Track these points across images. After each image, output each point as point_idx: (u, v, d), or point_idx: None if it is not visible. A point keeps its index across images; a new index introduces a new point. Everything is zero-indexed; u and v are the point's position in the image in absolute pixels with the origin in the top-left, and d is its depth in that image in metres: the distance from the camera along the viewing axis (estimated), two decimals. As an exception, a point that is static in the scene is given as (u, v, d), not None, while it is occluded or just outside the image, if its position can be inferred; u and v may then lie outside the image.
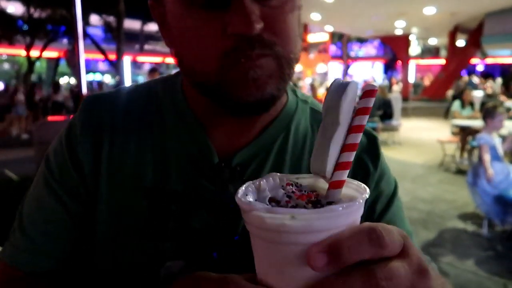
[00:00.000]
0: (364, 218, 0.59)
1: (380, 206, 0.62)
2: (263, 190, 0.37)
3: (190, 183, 0.56)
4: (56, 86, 12.89)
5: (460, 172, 6.42)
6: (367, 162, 0.62)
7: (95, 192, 0.58)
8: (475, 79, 16.05)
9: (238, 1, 0.46)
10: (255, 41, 0.47)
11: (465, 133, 6.78)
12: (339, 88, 0.37)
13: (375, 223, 0.33)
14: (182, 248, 0.55)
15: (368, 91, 0.37)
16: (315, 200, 0.36)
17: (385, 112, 9.21)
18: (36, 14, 15.84)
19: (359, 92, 0.39)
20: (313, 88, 9.27)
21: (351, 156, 0.37)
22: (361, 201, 0.35)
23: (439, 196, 5.31)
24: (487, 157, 3.90)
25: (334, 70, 31.14)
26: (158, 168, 0.57)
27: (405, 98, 14.88)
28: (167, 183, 0.56)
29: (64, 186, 0.59)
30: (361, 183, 0.39)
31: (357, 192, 0.38)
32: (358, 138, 0.37)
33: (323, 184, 0.39)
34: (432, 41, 27.87)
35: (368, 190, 0.37)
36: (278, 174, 0.41)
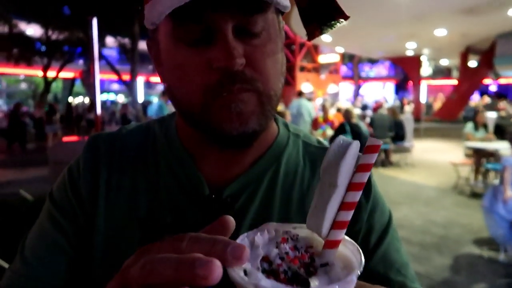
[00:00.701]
0: (360, 246, 0.59)
1: (374, 238, 0.62)
2: (256, 246, 0.36)
3: (182, 214, 0.57)
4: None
5: (475, 195, 6.31)
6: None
7: (92, 222, 0.60)
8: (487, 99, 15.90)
9: (222, 38, 0.48)
10: (237, 76, 0.49)
11: (479, 155, 6.68)
12: (340, 149, 0.37)
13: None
14: None
15: (371, 146, 0.37)
16: (309, 263, 0.36)
17: (397, 133, 9.15)
18: (53, 36, 16.29)
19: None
20: (324, 108, 9.27)
21: (348, 215, 0.37)
22: (354, 278, 0.34)
23: (453, 220, 5.21)
24: (509, 177, 3.84)
25: (345, 91, 31.20)
26: (151, 200, 0.59)
27: (417, 119, 14.79)
28: (160, 214, 0.58)
29: (64, 214, 0.61)
30: (356, 245, 0.38)
31: (353, 255, 0.37)
32: (357, 196, 0.37)
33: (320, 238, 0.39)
34: (444, 62, 27.83)
35: (363, 263, 0.36)
36: (274, 224, 0.40)
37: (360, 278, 0.59)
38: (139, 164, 0.62)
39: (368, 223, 0.62)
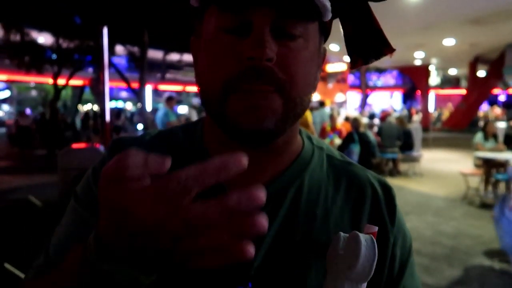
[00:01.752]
0: (386, 277, 0.59)
1: (397, 265, 0.61)
2: None
3: None
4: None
5: (485, 206, 6.23)
6: (384, 216, 0.62)
7: None
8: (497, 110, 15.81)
9: (257, 30, 0.48)
10: (264, 72, 0.48)
11: (489, 165, 6.62)
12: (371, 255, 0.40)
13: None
14: (203, 282, 0.55)
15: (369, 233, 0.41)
16: None
17: (405, 142, 9.10)
18: (64, 44, 16.51)
19: None
20: (332, 117, 9.25)
21: None
22: None
23: (464, 231, 5.15)
24: None
25: (352, 100, 31.17)
26: None
27: (425, 129, 14.70)
28: None
29: (89, 210, 0.61)
30: None
31: None
32: None
33: None
34: (452, 71, 27.73)
35: None
36: None
37: None
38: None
39: (393, 249, 0.61)
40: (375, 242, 0.40)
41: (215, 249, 0.33)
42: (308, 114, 9.21)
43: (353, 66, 0.60)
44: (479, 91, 18.86)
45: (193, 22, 0.59)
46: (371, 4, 0.57)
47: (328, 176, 0.63)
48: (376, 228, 0.40)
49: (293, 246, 0.54)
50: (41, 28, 16.88)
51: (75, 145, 6.24)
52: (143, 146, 0.65)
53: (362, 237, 0.40)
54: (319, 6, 0.49)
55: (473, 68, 19.18)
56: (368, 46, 0.57)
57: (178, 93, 34.07)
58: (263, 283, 0.54)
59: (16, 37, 16.08)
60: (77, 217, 0.62)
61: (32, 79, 23.10)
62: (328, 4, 0.50)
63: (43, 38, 17.97)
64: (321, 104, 9.43)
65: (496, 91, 24.22)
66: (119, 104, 37.70)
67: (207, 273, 0.54)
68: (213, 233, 0.33)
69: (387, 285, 0.60)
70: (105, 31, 7.22)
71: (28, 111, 23.79)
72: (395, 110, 23.77)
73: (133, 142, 0.66)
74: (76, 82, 22.14)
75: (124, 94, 39.07)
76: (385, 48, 0.57)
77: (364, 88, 32.58)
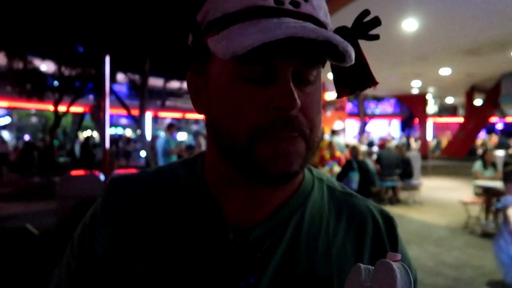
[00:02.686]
0: None
1: None
2: None
3: (206, 259, 0.56)
4: (128, 139, 16.55)
5: (486, 235, 6.17)
6: (386, 247, 0.62)
7: (104, 272, 0.59)
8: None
9: (283, 80, 0.50)
10: (290, 121, 0.50)
11: (489, 194, 6.60)
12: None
13: None
14: (205, 277, 0.55)
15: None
16: None
17: (405, 170, 9.10)
18: (66, 72, 16.72)
19: None
20: (331, 145, 9.27)
21: None
22: None
23: (466, 261, 5.07)
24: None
25: (351, 128, 31.32)
26: (174, 246, 0.58)
27: (424, 157, 14.73)
28: (184, 260, 0.57)
29: (79, 264, 0.61)
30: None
31: None
32: None
33: None
34: (449, 100, 28.05)
35: None
36: None
37: None
38: (162, 209, 0.61)
39: None
40: (407, 268, 0.39)
41: None
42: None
43: (339, 95, 0.63)
44: (477, 119, 19.02)
45: (190, 59, 0.60)
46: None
47: (329, 207, 0.63)
48: (399, 256, 0.40)
49: (295, 279, 0.54)
50: (43, 56, 17.12)
51: (74, 172, 6.22)
52: (143, 185, 0.65)
53: (395, 265, 0.39)
54: (344, 54, 0.50)
55: (469, 97, 19.42)
56: (354, 78, 0.60)
57: (178, 120, 34.24)
58: (264, 278, 0.54)
59: (19, 65, 16.30)
60: (70, 269, 0.62)
61: (33, 106, 23.26)
62: (353, 53, 0.50)
63: (46, 66, 18.21)
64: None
65: (494, 119, 24.41)
66: (119, 130, 37.82)
67: (209, 268, 0.56)
68: None
69: None
70: (107, 59, 7.35)
71: (27, 137, 23.82)
72: (393, 138, 23.84)
73: (132, 181, 0.65)
74: (76, 109, 22.30)
75: (123, 120, 39.25)
76: (370, 82, 0.60)
77: (363, 116, 32.84)
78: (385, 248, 0.61)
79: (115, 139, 20.71)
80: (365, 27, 0.57)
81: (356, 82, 0.60)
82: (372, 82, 0.60)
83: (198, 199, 0.61)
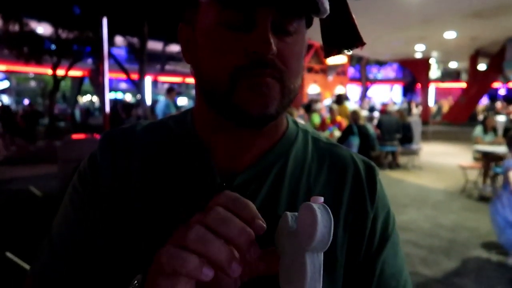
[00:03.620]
0: (363, 253, 0.62)
1: (376, 243, 0.63)
2: None
3: (194, 202, 0.59)
4: (138, 103, 16.35)
5: (483, 199, 6.27)
6: (365, 193, 0.64)
7: (107, 208, 0.63)
8: (498, 104, 15.78)
9: (261, 28, 0.52)
10: (268, 64, 0.53)
11: (488, 159, 6.64)
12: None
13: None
14: None
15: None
16: None
17: (405, 135, 9.12)
18: (63, 35, 16.41)
19: None
20: (331, 110, 9.24)
21: None
22: None
23: (462, 224, 5.18)
24: None
25: (352, 93, 31.11)
26: (166, 191, 0.62)
27: (425, 122, 14.70)
28: (174, 203, 0.61)
29: (85, 198, 0.64)
30: None
31: None
32: None
33: None
34: (453, 65, 27.66)
35: None
36: None
37: (355, 278, 0.64)
38: (155, 158, 0.65)
39: (373, 224, 0.63)
40: (328, 208, 0.40)
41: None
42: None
43: (326, 55, 0.66)
44: (479, 85, 18.82)
45: (183, 9, 0.62)
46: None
47: (312, 156, 0.66)
48: (322, 199, 0.41)
49: (275, 219, 0.55)
50: (40, 19, 16.76)
51: (75, 136, 6.24)
52: (135, 135, 0.68)
53: (315, 205, 0.40)
54: (320, 8, 0.52)
55: (473, 61, 19.12)
56: (342, 38, 0.63)
57: (178, 84, 33.95)
58: None
59: (15, 27, 15.97)
60: (75, 206, 0.65)
61: (31, 69, 23.00)
62: (327, 4, 0.53)
63: (42, 29, 17.85)
64: (338, 98, 9.90)
65: (496, 84, 24.17)
66: (118, 95, 37.59)
67: None
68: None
69: (366, 260, 0.62)
70: (104, 21, 7.18)
71: (26, 101, 23.73)
72: (395, 103, 23.71)
73: (124, 134, 0.69)
74: (75, 73, 22.05)
75: (123, 85, 38.92)
76: (357, 42, 0.63)
77: (364, 81, 32.52)
78: (363, 194, 0.63)
79: (115, 104, 20.63)
80: None
81: (343, 42, 0.63)
82: (360, 42, 0.63)
83: (188, 146, 0.65)
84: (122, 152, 0.66)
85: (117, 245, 0.61)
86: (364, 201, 0.63)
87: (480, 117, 17.92)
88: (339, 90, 25.58)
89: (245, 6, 0.52)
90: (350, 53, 0.64)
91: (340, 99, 10.36)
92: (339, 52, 0.64)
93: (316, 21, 0.63)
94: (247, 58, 0.53)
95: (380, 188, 0.66)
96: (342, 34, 0.62)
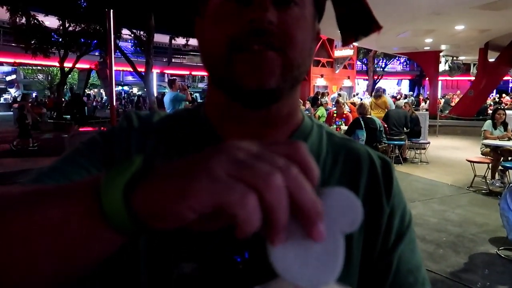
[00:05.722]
0: (379, 247, 0.61)
1: (393, 238, 0.62)
2: None
3: None
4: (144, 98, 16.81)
5: (491, 193, 6.21)
6: (381, 189, 0.62)
7: None
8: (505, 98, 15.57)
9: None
10: (266, 32, 0.51)
11: (496, 153, 6.57)
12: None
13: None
14: (198, 248, 0.55)
15: None
16: None
17: (413, 129, 9.04)
18: (70, 27, 16.46)
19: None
20: (338, 103, 9.18)
21: None
22: None
23: (469, 219, 5.14)
24: None
25: (360, 86, 30.92)
26: None
27: (433, 116, 14.57)
28: None
29: (90, 159, 0.59)
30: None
31: None
32: None
33: None
34: (462, 58, 27.34)
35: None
36: None
37: (371, 275, 0.62)
38: (169, 144, 0.63)
39: (389, 220, 0.62)
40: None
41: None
42: (385, 100, 9.92)
43: (344, 42, 0.64)
44: (489, 78, 18.58)
45: (198, 4, 0.61)
46: None
47: (327, 150, 0.65)
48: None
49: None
50: (46, 11, 16.80)
51: (82, 128, 6.27)
52: (153, 121, 0.67)
53: (347, 190, 0.36)
54: None
55: (483, 54, 18.87)
56: (358, 24, 0.61)
57: (184, 76, 33.96)
58: (260, 252, 0.54)
59: (22, 20, 16.03)
60: (74, 164, 0.59)
61: (38, 62, 23.11)
62: None
63: (49, 22, 17.92)
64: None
65: (506, 78, 23.86)
66: (125, 88, 37.70)
67: (203, 240, 0.54)
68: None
69: (382, 256, 0.61)
70: (111, 14, 7.16)
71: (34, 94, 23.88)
72: (405, 96, 23.47)
73: (145, 117, 0.67)
74: (82, 66, 22.12)
75: (130, 78, 39.02)
76: (374, 25, 0.61)
77: (372, 74, 32.29)
78: (379, 189, 0.62)
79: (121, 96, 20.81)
80: None
81: (360, 27, 0.62)
82: (376, 26, 0.61)
83: (201, 134, 0.64)
84: (138, 133, 0.64)
85: None
86: (380, 197, 0.62)
87: (490, 111, 17.72)
88: (347, 83, 25.45)
89: None
90: (367, 37, 0.63)
91: (378, 93, 10.47)
92: (356, 38, 0.63)
93: (326, 14, 0.62)
94: (244, 28, 0.52)
95: (396, 184, 0.65)
96: (358, 19, 0.61)
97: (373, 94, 11.41)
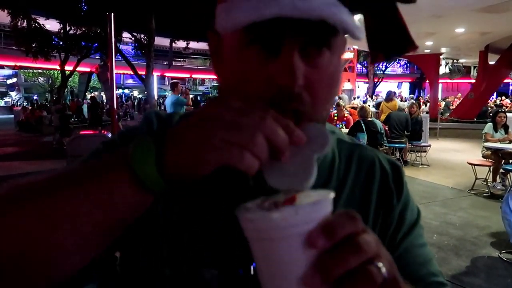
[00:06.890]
0: (386, 245, 0.59)
1: (402, 233, 0.64)
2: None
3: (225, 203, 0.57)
4: (146, 101, 16.91)
5: (493, 196, 6.20)
6: (392, 190, 0.65)
7: None
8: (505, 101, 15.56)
9: (286, 56, 0.48)
10: (294, 98, 0.49)
11: (498, 156, 6.56)
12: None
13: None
14: (218, 256, 0.56)
15: None
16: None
17: (413, 132, 9.03)
18: (71, 31, 16.50)
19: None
20: (338, 106, 9.18)
21: None
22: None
23: (471, 222, 5.12)
24: None
25: (360, 89, 30.94)
26: None
27: (433, 118, 14.55)
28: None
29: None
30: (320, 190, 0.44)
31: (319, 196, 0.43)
32: None
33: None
34: (462, 61, 27.37)
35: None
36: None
37: None
38: None
39: (398, 220, 0.64)
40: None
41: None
42: (396, 103, 10.18)
43: (373, 60, 0.62)
44: (489, 80, 18.56)
45: (210, 18, 0.59)
46: None
47: (339, 157, 0.66)
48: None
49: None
50: (47, 15, 16.85)
51: (84, 132, 6.28)
52: (174, 125, 0.65)
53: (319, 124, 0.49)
54: (353, 37, 0.49)
55: (483, 57, 18.87)
56: (391, 42, 0.58)
57: (184, 79, 33.98)
58: None
59: (23, 24, 16.06)
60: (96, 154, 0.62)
61: (39, 65, 23.18)
62: (360, 33, 0.49)
63: (50, 25, 17.96)
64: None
65: (507, 81, 23.85)
66: (126, 91, 37.74)
67: (224, 247, 0.56)
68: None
69: (391, 248, 0.61)
70: (112, 17, 7.17)
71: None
72: (406, 99, 23.44)
73: (166, 118, 0.67)
74: (83, 69, 22.14)
75: (130, 81, 39.07)
76: (409, 46, 0.58)
77: (372, 77, 32.31)
78: (391, 191, 0.64)
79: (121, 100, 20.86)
80: None
81: (393, 46, 0.58)
82: (412, 46, 0.57)
83: None
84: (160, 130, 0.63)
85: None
86: (391, 200, 0.64)
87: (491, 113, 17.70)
88: (347, 86, 25.46)
89: (271, 32, 0.48)
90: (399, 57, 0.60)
91: (389, 96, 10.65)
92: (386, 57, 0.60)
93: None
94: (273, 88, 0.49)
95: (406, 188, 0.67)
96: (391, 38, 0.58)
97: (384, 97, 11.57)
